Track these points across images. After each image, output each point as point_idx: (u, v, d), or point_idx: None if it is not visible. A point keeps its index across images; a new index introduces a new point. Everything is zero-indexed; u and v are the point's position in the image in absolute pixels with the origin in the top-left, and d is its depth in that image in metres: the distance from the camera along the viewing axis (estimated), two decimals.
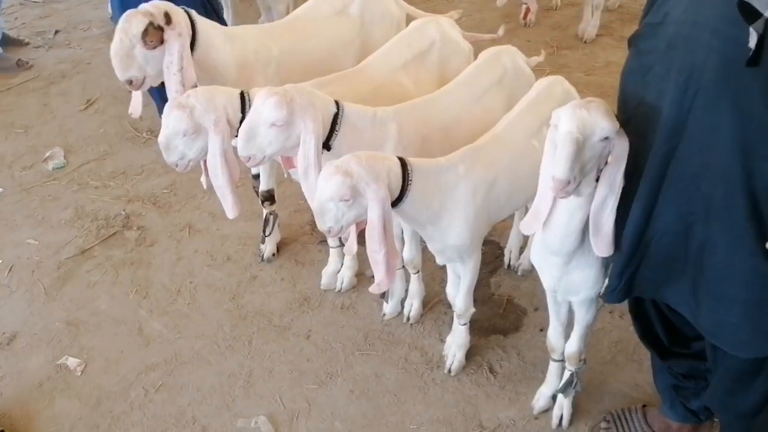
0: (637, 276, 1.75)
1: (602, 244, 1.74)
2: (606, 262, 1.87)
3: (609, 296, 1.85)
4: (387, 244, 1.88)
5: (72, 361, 2.62)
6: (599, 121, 1.58)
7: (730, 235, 1.53)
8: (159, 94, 3.21)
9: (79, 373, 2.58)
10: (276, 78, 2.57)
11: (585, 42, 4.77)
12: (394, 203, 1.92)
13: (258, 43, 2.60)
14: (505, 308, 2.79)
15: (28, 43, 5.14)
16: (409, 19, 2.93)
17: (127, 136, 3.98)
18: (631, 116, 1.67)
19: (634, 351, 2.56)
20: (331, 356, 2.61)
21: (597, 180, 1.68)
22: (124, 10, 2.40)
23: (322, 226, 1.88)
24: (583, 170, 1.61)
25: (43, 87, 4.55)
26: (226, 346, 2.67)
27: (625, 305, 2.16)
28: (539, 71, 4.30)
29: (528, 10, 4.99)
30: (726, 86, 1.43)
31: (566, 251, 1.81)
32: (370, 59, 2.63)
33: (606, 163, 1.67)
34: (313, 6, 2.85)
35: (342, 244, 2.80)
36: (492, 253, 3.04)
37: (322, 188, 1.82)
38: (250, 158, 2.11)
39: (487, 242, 3.07)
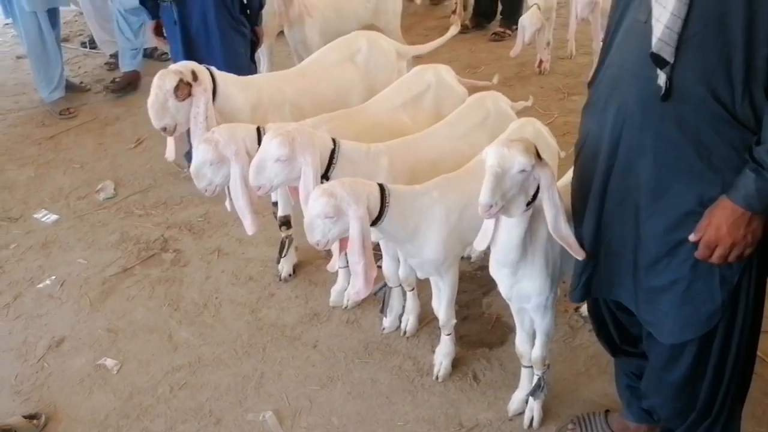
0: (594, 277, 2.04)
1: (574, 252, 2.01)
2: (552, 274, 2.17)
3: (571, 295, 2.15)
4: (365, 256, 2.22)
5: (110, 362, 3.00)
6: (517, 156, 1.90)
7: (652, 236, 1.84)
8: None
9: (115, 372, 2.96)
10: (290, 116, 2.98)
11: None
12: (374, 222, 2.26)
13: (272, 88, 3.04)
14: (493, 325, 3.08)
15: (89, 89, 5.72)
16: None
17: (170, 171, 4.42)
18: (585, 142, 1.99)
19: (607, 365, 2.78)
20: (333, 363, 2.94)
21: (528, 204, 2.00)
22: None
23: (311, 239, 2.24)
24: (505, 196, 1.92)
25: (99, 128, 5.10)
26: (242, 352, 3.02)
27: None
28: (548, 115, 4.64)
29: (542, 60, 5.35)
30: (646, 116, 1.75)
31: (510, 263, 2.12)
32: (373, 99, 3.03)
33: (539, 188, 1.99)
34: (323, 54, 3.30)
35: (347, 265, 3.15)
36: (486, 277, 3.30)
37: (311, 207, 2.18)
38: (260, 187, 2.49)
39: (482, 267, 3.38)
